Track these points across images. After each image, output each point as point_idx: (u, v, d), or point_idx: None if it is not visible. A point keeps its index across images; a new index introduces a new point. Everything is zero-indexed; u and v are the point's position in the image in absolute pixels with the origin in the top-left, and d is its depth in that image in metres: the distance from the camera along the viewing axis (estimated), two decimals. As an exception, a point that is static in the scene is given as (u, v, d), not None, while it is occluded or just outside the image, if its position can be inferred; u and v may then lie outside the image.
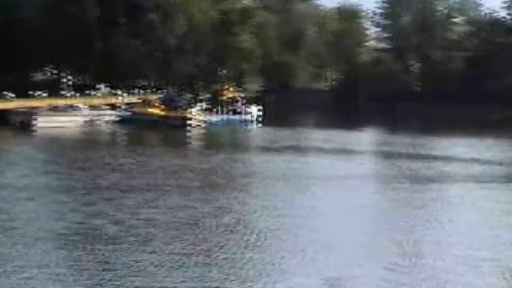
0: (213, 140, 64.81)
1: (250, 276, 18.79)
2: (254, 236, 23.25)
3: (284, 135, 65.28)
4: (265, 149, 53.94)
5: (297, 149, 53.21)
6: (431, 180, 38.29)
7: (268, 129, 73.28)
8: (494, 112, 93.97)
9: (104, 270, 18.79)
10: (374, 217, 27.88)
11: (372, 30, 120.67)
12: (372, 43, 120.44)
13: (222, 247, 21.60)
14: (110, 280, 18.00)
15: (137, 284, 17.80)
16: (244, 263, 19.90)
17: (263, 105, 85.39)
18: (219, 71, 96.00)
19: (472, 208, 29.96)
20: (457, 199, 32.29)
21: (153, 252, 20.79)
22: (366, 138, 69.94)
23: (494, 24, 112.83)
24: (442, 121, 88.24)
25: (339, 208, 29.06)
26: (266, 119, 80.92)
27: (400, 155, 50.73)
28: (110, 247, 21.10)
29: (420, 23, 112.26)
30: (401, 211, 28.71)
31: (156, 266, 19.36)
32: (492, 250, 22.01)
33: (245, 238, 22.92)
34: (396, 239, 23.05)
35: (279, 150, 52.65)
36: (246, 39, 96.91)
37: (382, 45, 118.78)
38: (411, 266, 19.86)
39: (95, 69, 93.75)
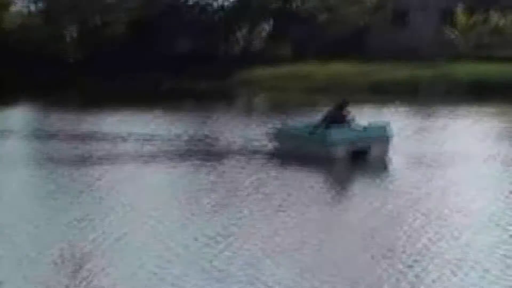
0: None
1: None
2: None
3: None
4: None
5: None
6: (94, 162, 37.27)
7: None
8: (164, 81, 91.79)
9: None
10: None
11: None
12: (21, 7, 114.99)
13: None
14: None
15: None
16: None
17: None
18: None
19: (139, 187, 30.40)
20: (122, 180, 31.82)
21: None
22: (15, 115, 64.54)
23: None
24: (104, 94, 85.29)
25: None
26: None
27: (58, 134, 48.34)
28: None
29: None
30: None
31: None
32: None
33: None
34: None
35: None
36: None
37: (32, 8, 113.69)
38: None
39: None
